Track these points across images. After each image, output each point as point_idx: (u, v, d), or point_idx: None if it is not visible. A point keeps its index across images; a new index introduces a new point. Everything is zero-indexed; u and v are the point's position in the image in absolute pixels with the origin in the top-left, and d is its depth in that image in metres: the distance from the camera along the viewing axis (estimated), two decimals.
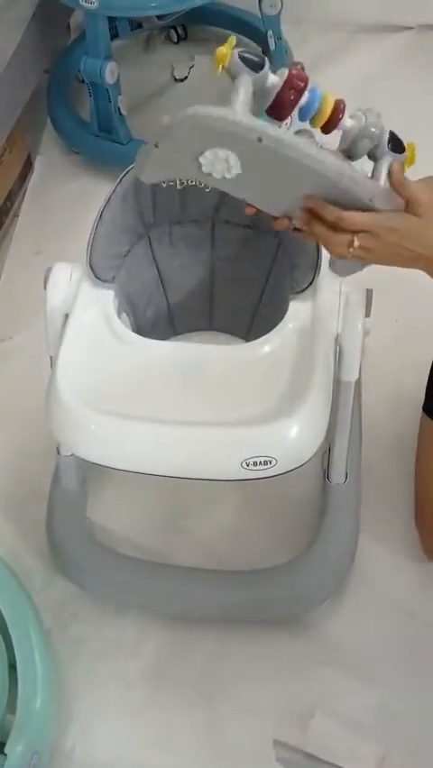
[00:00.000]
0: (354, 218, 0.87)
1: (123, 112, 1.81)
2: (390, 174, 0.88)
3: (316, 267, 1.11)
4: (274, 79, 0.83)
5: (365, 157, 0.90)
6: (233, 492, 1.40)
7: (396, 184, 0.88)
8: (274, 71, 0.84)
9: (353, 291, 1.11)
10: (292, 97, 0.83)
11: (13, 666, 1.15)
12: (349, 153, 0.89)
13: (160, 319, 1.36)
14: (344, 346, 1.12)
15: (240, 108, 0.81)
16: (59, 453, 1.31)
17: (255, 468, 1.01)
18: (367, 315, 1.12)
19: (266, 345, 1.09)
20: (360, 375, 1.20)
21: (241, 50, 0.82)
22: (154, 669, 1.27)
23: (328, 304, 1.11)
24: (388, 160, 0.89)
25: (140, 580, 1.28)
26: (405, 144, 0.89)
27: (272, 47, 1.89)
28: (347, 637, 1.26)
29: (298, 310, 1.10)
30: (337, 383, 1.13)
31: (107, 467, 1.10)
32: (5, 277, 1.79)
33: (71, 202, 1.88)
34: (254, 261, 1.27)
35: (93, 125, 1.86)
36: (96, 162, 1.91)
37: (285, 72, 0.83)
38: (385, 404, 1.47)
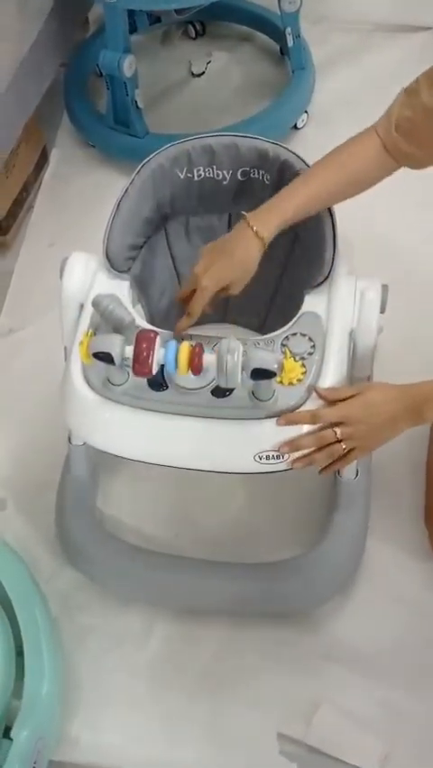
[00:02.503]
0: (324, 412, 0.98)
1: (139, 105, 1.81)
2: (321, 397, 1.00)
3: (332, 262, 1.11)
4: (129, 349, 0.96)
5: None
6: (243, 486, 1.40)
7: (330, 398, 0.99)
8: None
9: (369, 287, 1.11)
10: (146, 354, 0.94)
11: (20, 653, 1.16)
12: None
13: (173, 310, 1.36)
14: (358, 342, 1.12)
15: None
16: (70, 443, 1.32)
17: (268, 461, 1.02)
18: (382, 310, 1.12)
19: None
20: (372, 372, 1.20)
21: (94, 351, 0.96)
22: (160, 660, 1.27)
23: (344, 299, 1.10)
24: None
25: (148, 572, 1.27)
26: (275, 366, 0.94)
27: (290, 44, 1.89)
28: (353, 634, 1.27)
29: (313, 304, 1.10)
30: (351, 379, 1.13)
31: (119, 457, 1.10)
32: (19, 268, 1.80)
33: (86, 195, 1.88)
34: (270, 255, 1.25)
35: (109, 118, 1.87)
36: (112, 156, 1.92)
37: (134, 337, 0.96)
38: None
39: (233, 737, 1.20)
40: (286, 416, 0.99)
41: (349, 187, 1.08)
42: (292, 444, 0.99)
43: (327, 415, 0.98)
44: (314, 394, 1.01)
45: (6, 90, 1.66)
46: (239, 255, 1.05)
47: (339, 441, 0.98)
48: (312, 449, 0.99)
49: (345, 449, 0.99)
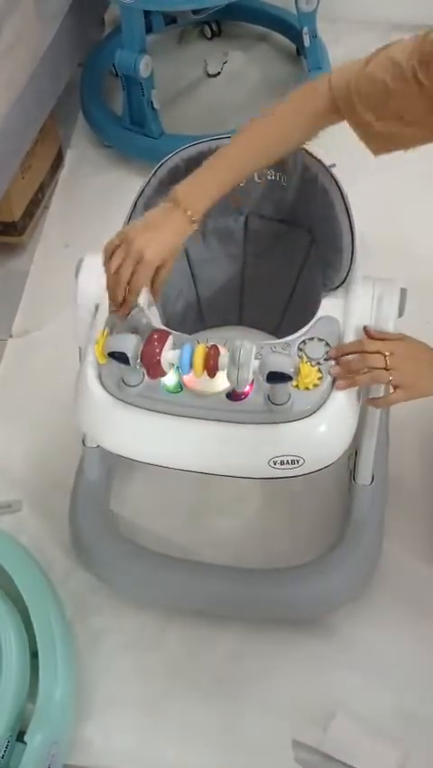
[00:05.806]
0: (373, 342, 1.02)
1: (155, 106, 1.81)
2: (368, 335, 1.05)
3: (349, 265, 1.10)
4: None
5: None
6: (258, 490, 1.39)
7: (377, 336, 1.04)
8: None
9: (386, 290, 1.10)
10: (157, 349, 0.94)
11: (35, 655, 1.16)
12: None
13: (189, 313, 1.35)
14: None
15: None
16: (84, 445, 1.31)
17: (283, 467, 1.01)
18: (400, 314, 1.10)
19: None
20: None
21: (110, 351, 0.96)
22: (174, 664, 1.26)
23: (361, 302, 1.09)
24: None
25: (161, 576, 1.27)
26: (291, 370, 0.93)
27: (307, 44, 1.88)
28: (369, 639, 1.25)
29: (330, 308, 1.09)
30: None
31: (133, 460, 1.09)
32: (35, 268, 1.80)
33: (101, 195, 1.88)
34: (286, 257, 1.26)
35: (125, 119, 1.86)
36: (127, 156, 1.92)
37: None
38: (412, 408, 1.45)
39: (246, 743, 1.19)
40: (336, 347, 1.02)
41: (280, 147, 1.09)
42: (342, 362, 1.00)
43: (375, 343, 1.00)
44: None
45: (24, 90, 1.66)
46: None
47: (387, 369, 0.98)
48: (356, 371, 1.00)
49: (391, 380, 0.99)
